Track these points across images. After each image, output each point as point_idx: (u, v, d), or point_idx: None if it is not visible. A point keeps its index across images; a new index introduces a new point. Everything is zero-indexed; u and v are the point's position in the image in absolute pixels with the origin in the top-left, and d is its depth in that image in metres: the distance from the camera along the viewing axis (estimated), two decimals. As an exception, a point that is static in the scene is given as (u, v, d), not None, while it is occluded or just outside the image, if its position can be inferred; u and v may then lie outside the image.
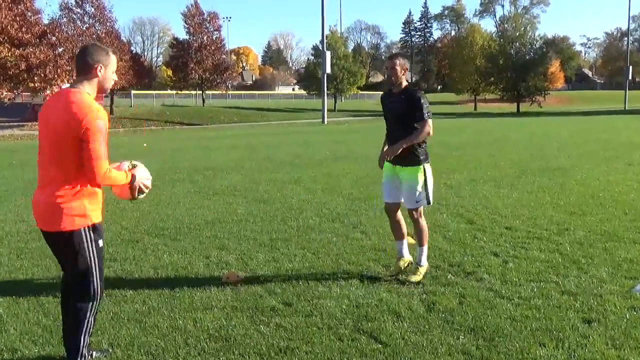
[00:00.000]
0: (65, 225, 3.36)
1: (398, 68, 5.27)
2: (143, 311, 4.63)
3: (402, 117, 5.30)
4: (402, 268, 5.46)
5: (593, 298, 4.74)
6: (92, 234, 3.46)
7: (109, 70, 3.48)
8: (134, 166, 3.74)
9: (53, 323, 4.32)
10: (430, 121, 5.24)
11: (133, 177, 3.62)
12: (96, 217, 3.49)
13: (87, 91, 3.41)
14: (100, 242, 3.54)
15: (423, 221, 5.48)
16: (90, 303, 3.51)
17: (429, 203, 5.43)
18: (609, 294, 4.83)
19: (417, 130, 5.23)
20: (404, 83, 5.35)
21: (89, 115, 3.26)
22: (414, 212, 5.40)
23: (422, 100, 5.21)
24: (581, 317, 4.35)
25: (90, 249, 3.46)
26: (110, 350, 3.92)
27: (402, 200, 5.49)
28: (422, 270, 5.42)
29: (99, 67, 3.42)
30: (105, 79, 3.48)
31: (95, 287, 3.51)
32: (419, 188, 5.32)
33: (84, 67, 3.42)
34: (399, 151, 5.24)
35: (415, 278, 5.30)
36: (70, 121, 3.26)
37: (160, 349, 3.94)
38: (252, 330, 4.23)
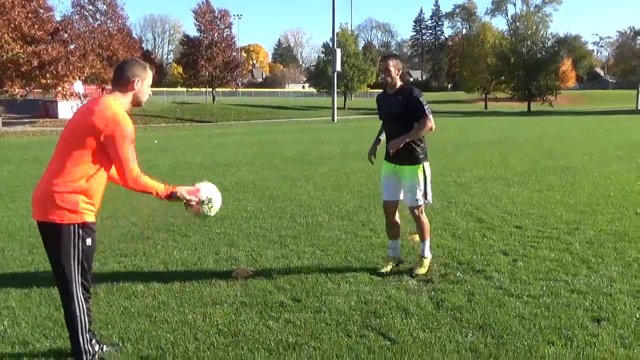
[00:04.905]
0: (54, 217, 3.36)
1: (392, 69, 5.29)
2: (153, 306, 4.67)
3: (401, 117, 5.31)
4: (389, 270, 5.43)
5: (603, 297, 4.72)
6: (80, 231, 3.44)
7: (145, 84, 3.61)
8: (209, 200, 3.78)
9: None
10: (431, 116, 5.27)
11: (173, 193, 3.61)
12: (89, 217, 3.47)
13: (119, 100, 3.50)
14: (89, 241, 3.50)
15: (424, 218, 5.50)
16: (75, 303, 3.48)
17: (428, 201, 5.44)
18: (618, 293, 4.82)
19: (418, 125, 5.26)
20: (399, 83, 5.38)
21: (114, 119, 3.33)
22: (415, 210, 5.42)
23: (420, 98, 5.24)
24: (590, 316, 4.34)
25: (77, 247, 3.44)
26: (121, 344, 3.96)
27: (401, 199, 5.51)
28: (426, 262, 5.48)
29: (136, 81, 3.54)
30: (141, 92, 3.59)
31: (76, 287, 3.48)
32: (419, 186, 5.34)
33: (122, 80, 3.53)
34: (401, 145, 5.24)
35: (421, 270, 5.39)
36: (94, 120, 3.33)
37: (170, 343, 3.97)
38: (261, 326, 4.25)
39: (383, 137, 5.70)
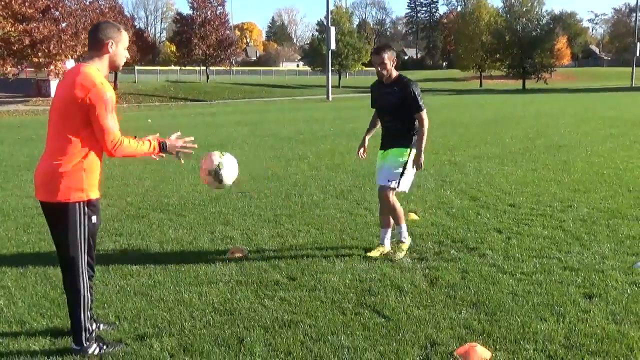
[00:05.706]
0: (60, 197, 3.36)
1: (388, 62, 5.22)
2: (149, 285, 4.69)
3: (396, 108, 5.29)
4: (377, 255, 5.37)
5: (595, 274, 4.77)
6: (86, 209, 3.45)
7: (121, 46, 3.51)
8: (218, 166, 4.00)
9: (60, 296, 4.37)
10: (424, 111, 5.27)
11: (163, 144, 3.61)
12: (93, 193, 3.49)
13: (96, 66, 3.43)
14: (94, 218, 3.53)
15: (392, 202, 5.34)
16: (81, 281, 3.50)
17: (400, 187, 5.34)
18: (610, 269, 4.87)
19: (419, 125, 5.27)
20: (394, 74, 5.33)
21: (94, 88, 3.28)
22: (386, 191, 5.30)
23: (416, 92, 5.22)
24: (582, 293, 4.39)
25: (83, 224, 3.45)
26: (117, 323, 3.99)
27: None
28: (405, 246, 5.41)
29: (110, 43, 3.45)
30: (116, 55, 3.50)
31: (82, 265, 3.50)
32: (397, 167, 5.29)
33: (96, 44, 3.44)
34: (422, 154, 5.29)
35: (399, 255, 5.31)
36: (76, 92, 3.29)
37: (166, 322, 3.99)
38: (256, 304, 4.29)
39: (378, 126, 5.67)
